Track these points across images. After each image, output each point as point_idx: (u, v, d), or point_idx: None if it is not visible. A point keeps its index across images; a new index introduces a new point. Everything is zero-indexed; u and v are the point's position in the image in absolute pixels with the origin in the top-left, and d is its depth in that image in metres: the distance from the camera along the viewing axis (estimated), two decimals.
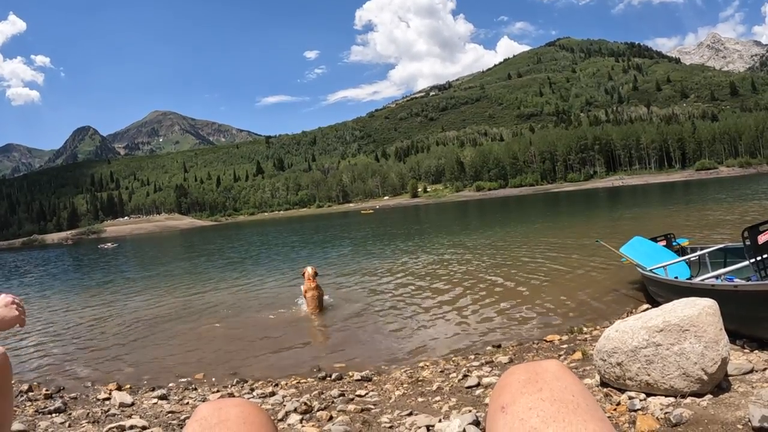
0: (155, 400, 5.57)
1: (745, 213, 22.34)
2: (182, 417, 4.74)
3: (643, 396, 3.70)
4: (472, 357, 6.37)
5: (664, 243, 9.22)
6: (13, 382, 2.27)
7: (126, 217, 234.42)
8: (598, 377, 4.24)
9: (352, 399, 4.96)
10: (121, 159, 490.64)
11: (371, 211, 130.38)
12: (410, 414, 4.09)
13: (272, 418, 1.00)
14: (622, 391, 3.91)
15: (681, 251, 9.10)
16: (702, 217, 22.46)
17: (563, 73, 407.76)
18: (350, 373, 6.11)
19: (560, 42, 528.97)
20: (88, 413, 5.07)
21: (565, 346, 6.36)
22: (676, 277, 7.22)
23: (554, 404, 0.87)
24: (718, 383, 3.64)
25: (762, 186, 50.88)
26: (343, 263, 19.49)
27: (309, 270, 10.14)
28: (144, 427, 4.33)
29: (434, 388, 5.03)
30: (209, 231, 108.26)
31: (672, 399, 3.56)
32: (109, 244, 72.48)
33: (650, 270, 7.60)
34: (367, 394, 5.15)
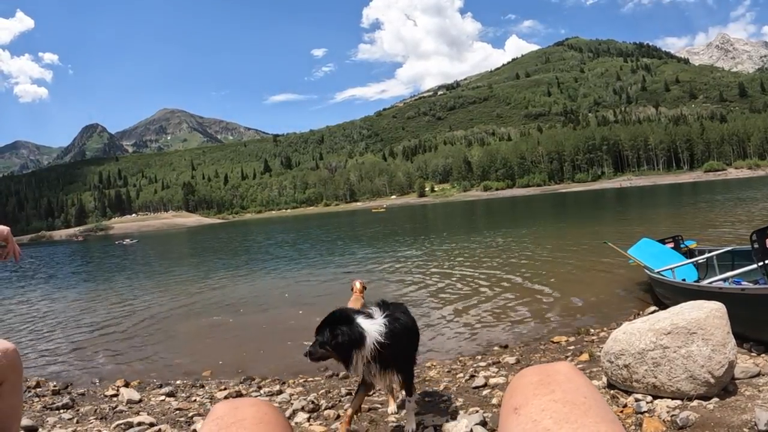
0: (163, 397, 5.60)
1: (753, 216, 22.21)
2: (190, 414, 4.76)
3: (649, 398, 3.70)
4: (479, 357, 6.37)
5: (672, 245, 9.17)
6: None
7: (133, 215, 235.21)
8: (605, 379, 4.24)
9: None
10: (129, 156, 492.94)
11: (383, 209, 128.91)
12: (417, 414, 4.10)
13: None
14: (628, 393, 3.91)
15: (689, 253, 9.05)
16: (710, 219, 22.32)
17: (571, 73, 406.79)
18: None
19: (569, 42, 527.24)
20: (96, 409, 5.10)
21: (572, 347, 6.36)
22: (684, 280, 7.19)
23: (566, 406, 0.88)
24: (725, 386, 3.63)
25: None
26: (353, 262, 19.50)
27: (357, 284, 9.91)
28: (152, 424, 4.35)
29: (441, 388, 5.04)
30: (218, 228, 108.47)
31: (679, 402, 3.55)
32: (128, 240, 72.04)
33: (658, 272, 7.56)
34: (374, 393, 5.16)
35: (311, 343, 3.14)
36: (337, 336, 3.04)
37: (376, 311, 3.32)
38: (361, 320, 3.13)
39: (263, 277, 17.36)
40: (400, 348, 3.28)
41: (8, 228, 2.38)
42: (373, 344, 3.06)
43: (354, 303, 8.56)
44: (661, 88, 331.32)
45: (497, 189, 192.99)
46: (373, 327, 3.12)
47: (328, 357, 3.15)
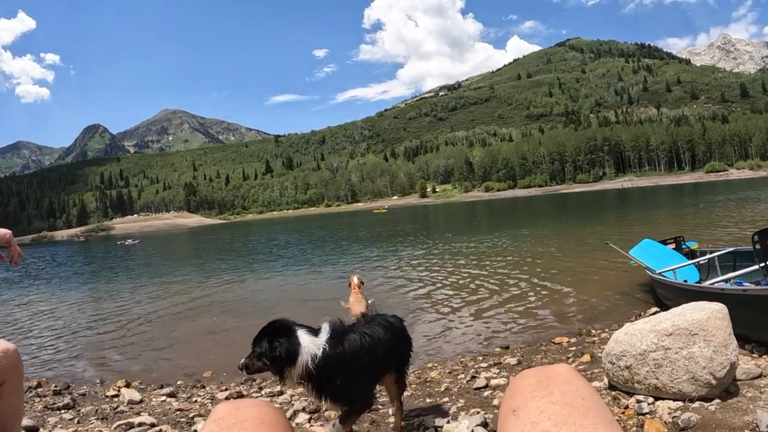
0: (164, 398, 5.60)
1: (755, 216, 22.16)
2: (191, 415, 4.76)
3: (651, 400, 3.69)
4: (481, 358, 6.35)
5: (673, 246, 9.14)
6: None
7: (135, 215, 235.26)
8: (606, 380, 4.23)
9: None
10: (130, 157, 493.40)
11: (385, 210, 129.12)
12: (418, 415, 4.10)
13: None
14: (630, 394, 3.91)
15: (690, 254, 9.02)
16: (711, 220, 22.27)
17: (573, 74, 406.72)
18: None
19: (570, 42, 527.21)
20: (97, 410, 5.11)
21: (573, 348, 6.34)
22: (685, 281, 7.18)
23: (565, 408, 0.88)
24: (727, 388, 3.63)
25: None
26: (356, 263, 19.48)
27: (354, 279, 9.77)
28: (153, 425, 4.35)
29: (442, 389, 5.03)
30: (220, 229, 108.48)
31: (680, 403, 3.55)
32: (130, 240, 72.34)
33: (659, 273, 7.55)
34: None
35: (247, 355, 2.92)
36: (275, 348, 2.79)
37: (324, 328, 2.95)
38: (301, 334, 2.83)
39: (265, 278, 17.35)
40: (340, 375, 2.87)
41: (10, 231, 2.37)
42: (304, 365, 2.77)
43: (356, 303, 8.53)
44: (663, 89, 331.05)
45: (499, 190, 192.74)
46: (310, 346, 2.79)
47: (265, 370, 2.91)
